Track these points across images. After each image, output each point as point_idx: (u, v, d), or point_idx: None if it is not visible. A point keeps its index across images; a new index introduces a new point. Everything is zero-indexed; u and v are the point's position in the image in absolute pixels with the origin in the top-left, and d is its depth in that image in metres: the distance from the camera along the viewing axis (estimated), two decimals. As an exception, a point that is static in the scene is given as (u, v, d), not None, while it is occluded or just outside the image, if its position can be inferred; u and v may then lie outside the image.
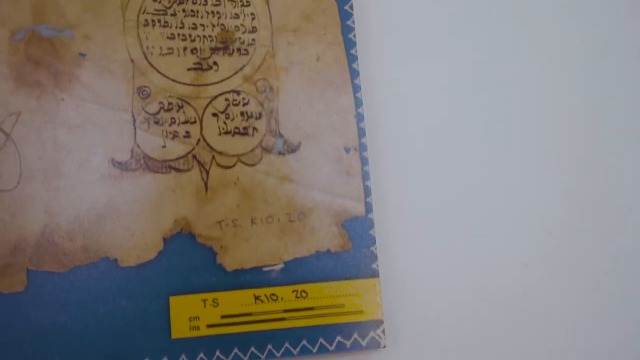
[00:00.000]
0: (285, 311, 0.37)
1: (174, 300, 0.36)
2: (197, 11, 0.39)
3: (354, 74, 0.39)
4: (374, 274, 0.37)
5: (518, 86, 0.42)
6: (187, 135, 0.38)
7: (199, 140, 0.38)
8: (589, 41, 0.44)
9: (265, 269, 0.37)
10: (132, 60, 0.38)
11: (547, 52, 0.43)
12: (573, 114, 0.43)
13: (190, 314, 0.36)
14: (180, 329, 0.36)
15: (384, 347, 0.37)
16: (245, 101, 0.38)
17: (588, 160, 0.42)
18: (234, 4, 0.39)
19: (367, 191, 0.38)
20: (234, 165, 0.38)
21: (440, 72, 0.42)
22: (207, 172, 0.37)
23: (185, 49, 0.38)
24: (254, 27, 0.39)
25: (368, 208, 0.38)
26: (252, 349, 0.36)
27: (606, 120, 0.43)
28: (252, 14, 0.39)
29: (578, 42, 0.44)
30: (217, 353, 0.36)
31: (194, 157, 0.37)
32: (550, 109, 0.42)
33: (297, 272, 0.37)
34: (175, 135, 0.38)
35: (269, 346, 0.36)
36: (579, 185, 0.42)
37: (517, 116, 0.42)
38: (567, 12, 0.44)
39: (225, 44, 0.39)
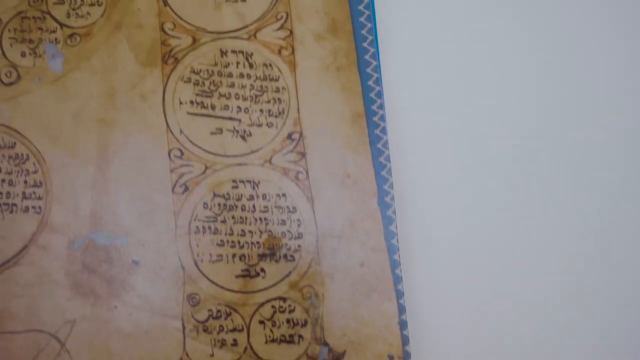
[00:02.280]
0: None
1: None
2: (246, 218, 0.40)
3: (397, 279, 0.40)
4: None
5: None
6: (235, 343, 0.39)
7: (245, 348, 0.39)
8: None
9: None
10: (183, 268, 0.39)
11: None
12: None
13: None
14: None
15: None
16: (292, 308, 0.39)
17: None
18: (280, 210, 0.41)
19: (411, 403, 0.38)
20: (280, 376, 0.38)
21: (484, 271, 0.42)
22: (254, 383, 0.38)
23: (234, 255, 0.40)
24: (300, 233, 0.40)
25: (413, 421, 0.38)
26: None
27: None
28: (298, 219, 0.41)
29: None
30: None
31: (241, 366, 0.38)
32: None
33: None
34: (223, 344, 0.38)
35: None
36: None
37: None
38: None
39: (272, 251, 0.40)
